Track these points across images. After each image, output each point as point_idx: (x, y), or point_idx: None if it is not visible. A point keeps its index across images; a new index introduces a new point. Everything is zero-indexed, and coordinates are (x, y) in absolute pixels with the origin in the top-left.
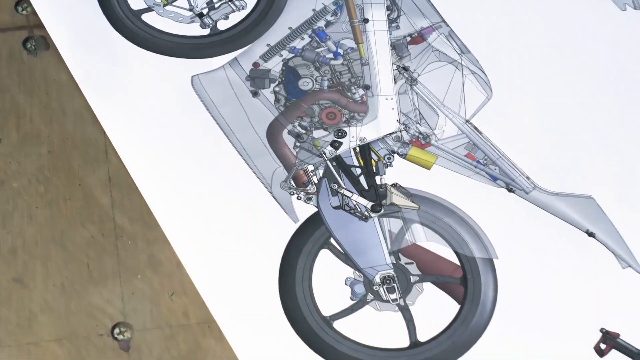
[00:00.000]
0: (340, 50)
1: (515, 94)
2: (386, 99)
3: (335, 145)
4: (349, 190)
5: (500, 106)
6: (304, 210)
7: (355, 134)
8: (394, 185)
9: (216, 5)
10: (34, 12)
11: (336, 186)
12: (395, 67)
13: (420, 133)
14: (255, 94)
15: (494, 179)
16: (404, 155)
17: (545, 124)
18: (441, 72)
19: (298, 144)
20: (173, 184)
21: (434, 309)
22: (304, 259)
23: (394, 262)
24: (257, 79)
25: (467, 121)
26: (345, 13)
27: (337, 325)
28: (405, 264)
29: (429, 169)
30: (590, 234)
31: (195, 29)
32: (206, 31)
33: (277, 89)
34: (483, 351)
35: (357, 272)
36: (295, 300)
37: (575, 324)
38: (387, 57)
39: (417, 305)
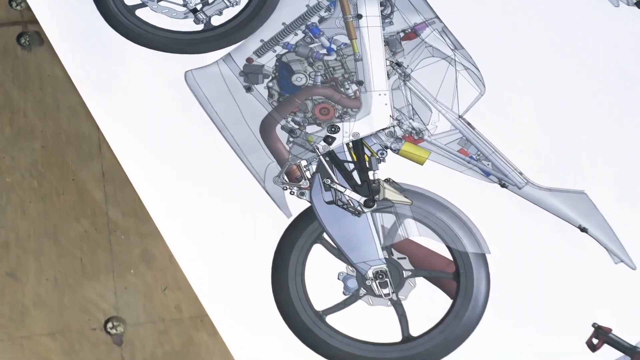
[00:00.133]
0: (333, 46)
1: (513, 92)
2: (379, 95)
3: (329, 140)
4: (341, 186)
5: (499, 105)
6: (297, 205)
7: (349, 130)
8: (387, 180)
9: (210, 1)
10: (28, 8)
11: (329, 181)
12: (388, 63)
13: (413, 128)
14: (248, 89)
15: (486, 174)
16: (397, 151)
17: (543, 122)
18: (434, 68)
19: (291, 139)
20: (166, 179)
21: (427, 304)
22: (297, 253)
23: (387, 257)
24: (250, 74)
25: (460, 117)
26: (339, 9)
27: (330, 319)
28: (398, 258)
29: (422, 164)
30: (583, 229)
31: (189, 25)
32: (200, 27)
33: (270, 84)
34: (475, 346)
35: (349, 267)
36: (288, 294)
37: (568, 319)
38: (380, 53)
39: (409, 300)
